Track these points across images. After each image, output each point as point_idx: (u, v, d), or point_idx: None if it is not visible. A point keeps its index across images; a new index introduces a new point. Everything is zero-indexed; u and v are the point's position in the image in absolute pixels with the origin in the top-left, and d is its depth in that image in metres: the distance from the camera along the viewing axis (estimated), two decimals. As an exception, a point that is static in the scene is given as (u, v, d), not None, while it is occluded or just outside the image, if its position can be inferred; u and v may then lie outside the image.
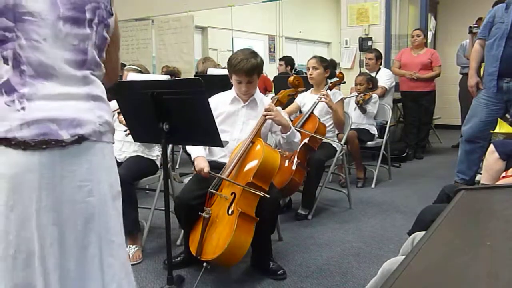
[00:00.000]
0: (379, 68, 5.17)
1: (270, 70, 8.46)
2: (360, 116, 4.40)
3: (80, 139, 1.20)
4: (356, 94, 4.43)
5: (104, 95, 1.31)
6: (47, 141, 1.15)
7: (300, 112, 3.63)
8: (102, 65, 1.32)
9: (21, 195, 1.14)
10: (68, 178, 1.19)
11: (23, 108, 1.13)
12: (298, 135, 2.61)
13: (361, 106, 4.32)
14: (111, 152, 1.32)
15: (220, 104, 2.56)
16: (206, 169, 2.35)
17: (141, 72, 3.07)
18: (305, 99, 3.57)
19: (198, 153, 2.46)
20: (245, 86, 2.46)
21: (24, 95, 1.14)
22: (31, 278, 1.16)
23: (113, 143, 1.33)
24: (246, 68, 2.38)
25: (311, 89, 3.64)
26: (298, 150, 3.22)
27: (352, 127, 4.01)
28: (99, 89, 1.29)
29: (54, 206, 1.17)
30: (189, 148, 2.56)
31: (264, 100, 2.62)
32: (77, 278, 1.23)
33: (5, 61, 1.13)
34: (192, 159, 2.49)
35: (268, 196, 2.17)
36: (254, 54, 2.44)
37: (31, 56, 1.14)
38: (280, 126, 2.49)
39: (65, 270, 1.20)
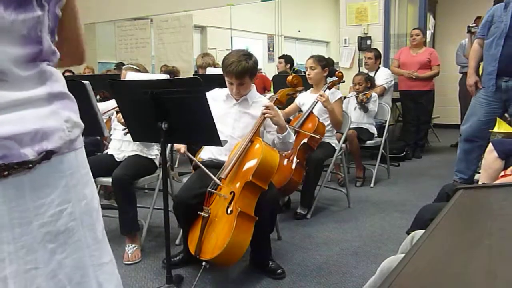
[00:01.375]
0: (378, 68, 5.17)
1: (269, 70, 8.47)
2: (360, 115, 4.41)
3: (48, 154, 0.94)
4: (356, 94, 4.43)
5: (66, 88, 1.04)
6: (8, 165, 0.89)
7: (300, 111, 3.63)
8: (57, 51, 1.03)
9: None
10: (45, 206, 0.95)
11: None
12: (293, 136, 2.62)
13: (364, 105, 4.32)
14: (84, 158, 1.09)
15: (214, 100, 2.56)
16: (183, 149, 2.41)
17: (139, 71, 3.07)
18: (305, 99, 3.57)
19: None
20: (236, 88, 2.48)
21: None
22: None
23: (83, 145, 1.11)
24: (236, 71, 2.39)
25: (311, 88, 3.64)
26: (297, 150, 3.22)
27: (352, 126, 4.02)
28: (60, 83, 1.02)
29: (32, 245, 0.94)
30: None
31: (262, 101, 2.62)
32: None
33: None
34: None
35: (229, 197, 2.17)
36: (247, 56, 2.44)
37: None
38: (276, 126, 2.49)
39: None
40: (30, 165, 0.92)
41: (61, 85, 1.02)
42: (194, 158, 2.35)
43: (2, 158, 0.88)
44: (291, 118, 3.61)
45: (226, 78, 2.50)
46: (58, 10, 1.02)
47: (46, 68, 0.98)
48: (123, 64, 4.53)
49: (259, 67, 2.65)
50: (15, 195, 0.92)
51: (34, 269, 0.95)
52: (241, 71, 2.39)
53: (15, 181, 0.91)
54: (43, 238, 0.96)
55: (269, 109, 2.42)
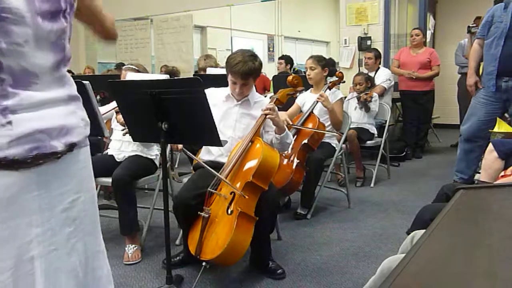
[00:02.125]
0: (378, 68, 5.17)
1: (269, 70, 8.46)
2: (360, 116, 4.41)
3: (72, 147, 1.11)
4: (357, 94, 4.43)
5: (76, 91, 1.19)
6: (42, 155, 1.03)
7: (301, 111, 3.63)
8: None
9: (18, 221, 1.02)
10: (65, 194, 1.11)
11: (9, 123, 0.98)
12: (291, 137, 2.62)
13: (366, 104, 4.32)
14: (90, 154, 1.23)
15: (214, 99, 2.56)
16: (180, 145, 2.38)
17: (139, 71, 3.07)
18: (305, 99, 3.57)
19: None
20: (239, 88, 2.46)
21: (8, 108, 0.98)
22: None
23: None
24: (242, 71, 2.38)
25: (311, 88, 3.64)
26: (297, 150, 3.22)
27: (352, 126, 4.02)
28: (74, 86, 1.17)
29: (55, 228, 1.07)
30: None
31: (263, 101, 2.62)
32: None
33: None
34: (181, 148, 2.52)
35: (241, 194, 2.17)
36: (253, 57, 2.44)
37: (12, 64, 0.99)
38: (275, 127, 2.49)
39: None
40: (59, 155, 1.07)
41: (74, 88, 1.17)
42: (192, 156, 2.34)
43: (37, 149, 1.02)
44: (292, 118, 3.60)
45: (229, 77, 2.48)
46: (72, 17, 1.16)
47: (65, 73, 1.14)
48: (123, 64, 4.53)
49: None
50: (45, 182, 1.06)
51: (55, 250, 1.08)
52: (247, 71, 2.39)
53: (46, 169, 1.05)
54: (63, 223, 1.10)
55: (270, 110, 2.42)
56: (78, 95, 1.19)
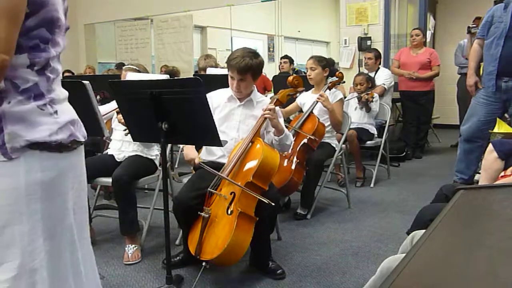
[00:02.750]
0: (378, 68, 5.17)
1: (269, 70, 8.46)
2: (360, 116, 4.42)
3: (85, 139, 1.29)
4: (357, 94, 4.43)
5: None
6: (75, 141, 1.23)
7: (301, 111, 3.63)
8: None
9: (58, 198, 1.20)
10: (81, 176, 1.30)
11: (55, 112, 1.17)
12: (291, 138, 2.62)
13: (367, 105, 4.33)
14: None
15: (217, 100, 2.56)
16: (197, 160, 2.37)
17: (139, 71, 3.07)
18: (306, 99, 3.57)
19: None
20: (236, 83, 2.46)
21: (53, 100, 1.18)
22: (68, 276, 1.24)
23: None
24: (238, 65, 2.38)
25: (312, 89, 3.64)
26: (297, 150, 3.22)
27: (352, 126, 4.02)
28: None
29: (71, 205, 1.25)
30: None
31: (264, 101, 2.62)
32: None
33: (31, 66, 1.13)
34: (181, 148, 2.49)
35: (267, 202, 2.15)
36: (253, 54, 2.44)
37: (56, 66, 1.20)
38: (274, 129, 2.49)
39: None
40: (82, 144, 1.27)
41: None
42: (208, 168, 2.31)
43: (72, 136, 1.21)
44: (291, 118, 3.61)
45: (228, 73, 2.49)
46: None
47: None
48: (124, 64, 4.52)
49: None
50: (75, 164, 1.26)
51: (85, 238, 1.32)
52: (244, 66, 2.39)
53: (76, 154, 1.25)
54: (74, 200, 1.26)
55: (270, 111, 2.42)
56: None
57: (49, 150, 1.16)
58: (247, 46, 2.63)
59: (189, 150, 2.47)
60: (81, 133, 1.26)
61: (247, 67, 2.39)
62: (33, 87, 1.13)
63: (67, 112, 1.23)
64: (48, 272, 1.17)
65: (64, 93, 1.25)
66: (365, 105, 4.35)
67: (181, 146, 2.58)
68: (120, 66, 5.79)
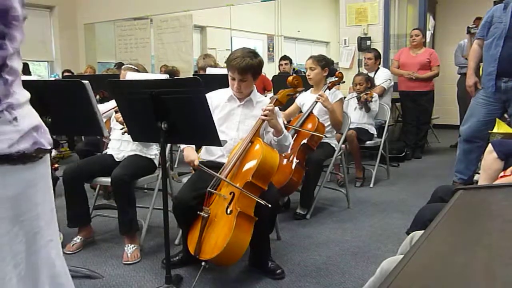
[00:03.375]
0: (378, 68, 5.17)
1: (269, 70, 8.46)
2: (360, 116, 4.42)
3: (50, 147, 1.16)
4: (356, 94, 4.43)
5: None
6: (41, 150, 1.10)
7: (301, 111, 3.63)
8: None
9: (29, 209, 1.10)
10: (41, 189, 1.16)
11: (15, 119, 1.04)
12: (290, 140, 2.62)
13: (367, 104, 4.33)
14: None
15: (216, 100, 2.56)
16: (196, 161, 2.37)
17: (138, 71, 3.07)
18: (305, 99, 3.57)
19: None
20: (237, 84, 2.46)
21: (12, 105, 1.04)
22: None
23: None
24: (239, 66, 2.39)
25: (311, 89, 3.64)
26: (297, 150, 3.22)
27: (351, 126, 4.02)
28: None
29: (47, 213, 1.17)
30: None
31: (264, 101, 2.62)
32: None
33: None
34: (181, 149, 2.49)
35: (263, 203, 2.14)
36: (253, 54, 2.44)
37: (14, 65, 1.05)
38: (273, 129, 2.49)
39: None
40: (49, 152, 1.14)
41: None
42: (208, 170, 2.31)
43: (36, 144, 1.08)
44: (291, 118, 3.60)
45: (229, 73, 2.49)
46: None
47: None
48: (123, 64, 4.52)
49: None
50: (42, 176, 1.14)
51: (51, 240, 1.19)
52: (245, 66, 2.39)
53: (41, 165, 1.12)
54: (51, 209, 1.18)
55: (269, 112, 2.42)
56: None
57: (11, 163, 1.03)
58: (246, 46, 2.63)
59: (189, 152, 2.47)
60: (46, 140, 1.12)
61: (247, 67, 2.39)
62: None
63: (28, 117, 1.08)
64: None
65: (25, 95, 1.10)
66: (364, 105, 4.35)
67: (181, 146, 2.58)
68: (119, 66, 5.79)
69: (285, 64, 6.58)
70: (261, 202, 2.15)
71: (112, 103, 2.90)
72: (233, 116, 2.56)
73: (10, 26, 1.01)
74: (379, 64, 5.20)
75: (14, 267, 1.08)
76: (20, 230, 1.10)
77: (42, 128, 1.13)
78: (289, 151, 3.22)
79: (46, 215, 1.16)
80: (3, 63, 1.02)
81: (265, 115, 2.41)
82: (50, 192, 1.18)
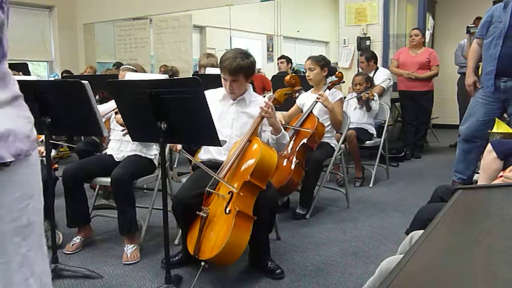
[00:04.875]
0: (377, 68, 5.17)
1: (268, 70, 8.47)
2: (359, 116, 4.42)
3: (19, 155, 0.99)
4: (356, 94, 4.43)
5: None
6: None
7: (301, 112, 3.63)
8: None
9: None
10: (15, 202, 1.00)
11: None
12: (287, 137, 2.63)
13: (368, 104, 4.33)
14: (38, 157, 1.11)
15: (210, 99, 2.56)
16: (179, 146, 2.39)
17: (137, 71, 3.07)
18: (305, 99, 3.57)
19: None
20: (229, 84, 2.48)
21: None
22: None
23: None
24: (230, 67, 2.40)
25: (311, 89, 3.65)
26: (296, 150, 3.22)
27: (351, 126, 4.02)
28: (17, 85, 1.03)
29: (5, 239, 0.99)
30: None
31: (259, 99, 2.62)
32: None
33: None
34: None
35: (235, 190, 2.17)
36: (244, 55, 2.45)
37: None
38: (271, 127, 2.50)
39: None
40: (8, 165, 0.96)
41: (17, 87, 1.03)
42: (189, 156, 2.34)
43: None
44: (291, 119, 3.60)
45: (221, 74, 2.51)
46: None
47: (7, 71, 0.99)
48: (122, 64, 4.52)
49: (258, 67, 2.65)
50: None
51: (7, 262, 0.99)
52: (235, 67, 2.40)
53: None
54: (13, 233, 0.99)
55: (268, 109, 2.42)
56: (21, 93, 1.05)
57: None
58: (239, 48, 2.64)
59: None
60: (8, 150, 0.95)
61: (238, 67, 2.40)
62: None
63: None
64: None
65: None
66: (366, 104, 4.35)
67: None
68: (118, 66, 5.79)
69: (281, 62, 6.61)
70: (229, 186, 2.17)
71: (112, 104, 2.90)
72: (226, 114, 2.57)
73: None
74: (376, 63, 5.18)
75: None
76: None
77: (7, 137, 0.95)
78: (289, 151, 3.23)
79: None
80: None
81: (265, 112, 2.41)
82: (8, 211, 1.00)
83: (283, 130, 2.55)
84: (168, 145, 2.88)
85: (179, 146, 2.45)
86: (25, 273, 1.03)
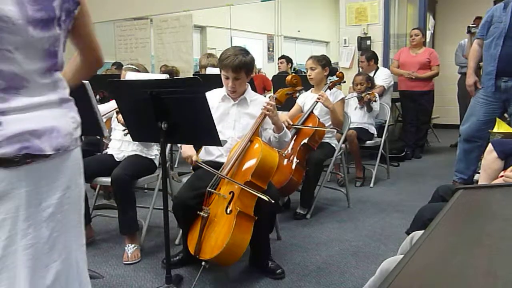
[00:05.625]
0: (377, 68, 5.17)
1: (269, 70, 8.46)
2: (360, 116, 4.41)
3: (60, 150, 1.14)
4: (357, 94, 4.43)
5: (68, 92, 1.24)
6: (31, 155, 1.07)
7: (302, 112, 3.63)
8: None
9: (5, 215, 1.07)
10: (53, 190, 1.15)
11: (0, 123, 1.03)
12: (289, 135, 2.64)
13: (369, 104, 4.33)
14: (80, 152, 1.28)
15: (211, 101, 2.56)
16: (194, 157, 2.38)
17: (139, 71, 3.07)
18: (306, 99, 3.57)
19: None
20: (231, 82, 2.47)
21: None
22: None
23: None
24: (233, 64, 2.39)
25: (312, 88, 3.64)
26: (297, 150, 3.22)
27: (351, 126, 4.02)
28: (67, 90, 1.22)
29: (39, 223, 1.12)
30: None
31: (259, 99, 2.62)
32: None
33: None
34: (181, 149, 2.51)
35: (266, 199, 2.13)
36: (244, 51, 2.46)
37: (4, 69, 1.03)
38: (273, 125, 2.50)
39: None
40: (48, 156, 1.11)
41: (67, 92, 1.21)
42: (205, 166, 2.31)
43: (27, 148, 1.06)
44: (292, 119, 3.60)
45: (222, 73, 2.49)
46: (70, 25, 1.20)
47: (58, 77, 1.18)
48: (121, 64, 4.53)
49: (259, 67, 2.66)
50: (34, 179, 1.10)
51: (37, 243, 1.12)
52: (238, 64, 2.40)
53: (35, 167, 1.09)
54: (47, 218, 1.14)
55: (270, 107, 2.42)
56: (70, 97, 1.22)
57: None
58: (237, 45, 2.64)
59: (186, 148, 2.48)
60: (50, 144, 1.10)
61: (241, 64, 2.40)
62: None
63: (20, 122, 1.06)
64: None
65: (35, 100, 1.09)
66: (367, 105, 4.35)
67: (180, 145, 2.59)
68: (118, 66, 5.79)
69: (281, 63, 6.62)
70: (263, 197, 2.14)
71: (113, 104, 2.90)
72: (228, 115, 2.56)
73: None
74: (376, 63, 5.18)
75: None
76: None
77: (43, 134, 1.10)
78: (289, 151, 3.23)
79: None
80: None
81: (268, 110, 2.41)
82: (37, 200, 1.12)
83: (285, 128, 2.55)
84: (172, 146, 2.86)
85: (194, 157, 2.42)
86: (53, 256, 1.17)
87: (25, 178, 1.08)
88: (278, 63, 6.77)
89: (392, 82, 5.19)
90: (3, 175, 1.05)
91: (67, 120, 1.17)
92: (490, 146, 2.38)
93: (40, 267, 1.13)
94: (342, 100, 3.59)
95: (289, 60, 6.64)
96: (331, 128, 3.42)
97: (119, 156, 2.87)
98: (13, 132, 1.04)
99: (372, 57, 5.14)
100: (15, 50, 1.04)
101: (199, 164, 2.35)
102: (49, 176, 1.14)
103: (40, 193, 1.12)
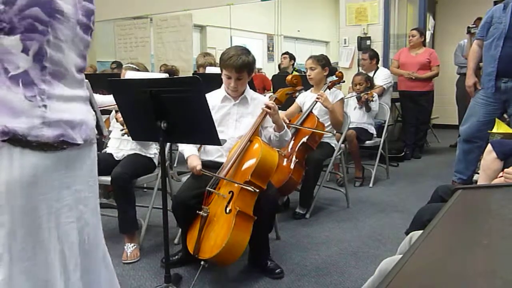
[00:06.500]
0: (377, 68, 5.17)
1: (269, 69, 8.46)
2: (360, 116, 4.41)
3: (87, 141, 1.26)
4: (356, 94, 4.43)
5: None
6: (67, 142, 1.18)
7: (301, 111, 3.63)
8: None
9: (40, 196, 1.15)
10: (81, 176, 1.26)
11: (44, 106, 1.12)
12: (290, 134, 2.64)
13: (367, 104, 4.33)
14: (96, 146, 1.39)
15: (211, 102, 2.56)
16: (199, 167, 2.39)
17: (139, 70, 3.07)
18: (306, 99, 3.57)
19: (190, 151, 2.50)
20: (234, 82, 2.46)
21: (45, 92, 1.13)
22: (52, 277, 1.18)
23: None
24: (236, 64, 2.39)
25: (311, 88, 3.64)
26: (296, 149, 3.22)
27: (351, 126, 4.02)
28: (89, 90, 1.36)
29: (72, 204, 1.23)
30: (182, 147, 2.57)
31: (259, 98, 2.62)
32: (95, 278, 1.35)
33: (25, 50, 1.09)
34: (185, 158, 2.50)
35: (257, 190, 2.16)
36: (246, 51, 2.45)
37: (54, 55, 1.15)
38: (274, 124, 2.50)
39: (85, 270, 1.29)
40: (79, 145, 1.21)
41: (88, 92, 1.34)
42: (210, 173, 2.31)
43: (63, 136, 1.16)
44: (291, 118, 3.60)
45: (224, 73, 2.48)
46: None
47: (84, 77, 1.31)
48: (120, 63, 4.53)
49: (259, 66, 2.66)
50: (69, 163, 1.21)
51: (71, 222, 1.24)
52: (241, 64, 2.39)
53: (69, 153, 1.20)
54: (78, 201, 1.25)
55: (271, 107, 2.42)
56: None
57: (30, 148, 1.11)
58: (237, 45, 2.63)
59: (192, 159, 2.46)
60: (80, 135, 1.22)
61: (244, 64, 2.40)
62: (22, 74, 1.10)
63: (63, 112, 1.17)
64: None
65: (71, 93, 1.21)
66: (365, 105, 4.35)
67: (180, 145, 2.58)
68: (118, 65, 5.79)
69: (284, 58, 6.63)
70: (248, 188, 2.16)
71: (111, 98, 2.87)
72: (229, 115, 2.56)
73: (52, 16, 1.12)
74: (377, 63, 5.19)
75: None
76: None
77: (80, 126, 1.22)
78: (289, 150, 3.23)
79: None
80: (41, 49, 1.11)
81: (269, 108, 2.41)
82: (73, 186, 1.23)
83: (285, 127, 2.55)
84: (171, 145, 2.86)
85: (199, 167, 2.41)
86: (83, 236, 1.29)
87: (59, 163, 1.18)
88: (281, 58, 6.79)
89: (392, 82, 5.19)
90: (41, 159, 1.13)
91: (91, 116, 1.31)
92: (489, 146, 2.38)
93: (73, 246, 1.25)
94: (342, 100, 3.59)
95: (292, 57, 6.65)
96: (328, 132, 3.42)
97: (118, 155, 2.87)
98: (55, 118, 1.14)
99: (375, 56, 5.15)
100: (65, 42, 1.17)
101: (204, 173, 2.34)
102: (81, 162, 1.25)
103: (73, 176, 1.22)
